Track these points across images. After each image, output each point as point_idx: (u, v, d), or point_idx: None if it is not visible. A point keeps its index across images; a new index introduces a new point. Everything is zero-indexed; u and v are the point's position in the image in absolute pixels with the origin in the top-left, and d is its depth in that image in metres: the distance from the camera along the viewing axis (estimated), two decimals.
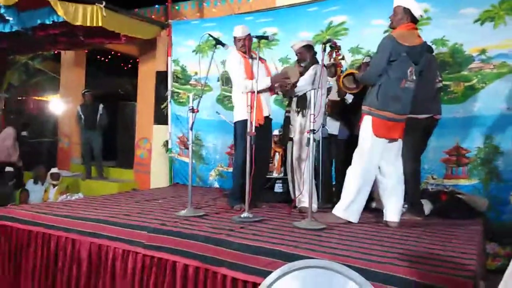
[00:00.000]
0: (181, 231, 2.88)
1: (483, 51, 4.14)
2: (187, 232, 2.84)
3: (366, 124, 3.17)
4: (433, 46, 4.13)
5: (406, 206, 3.60)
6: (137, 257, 2.87)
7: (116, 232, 3.05)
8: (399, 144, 3.27)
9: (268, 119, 3.87)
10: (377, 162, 3.19)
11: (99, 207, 3.84)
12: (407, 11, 3.12)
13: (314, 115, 3.14)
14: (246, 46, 3.82)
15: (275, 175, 4.79)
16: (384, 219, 3.24)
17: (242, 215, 3.27)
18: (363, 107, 3.21)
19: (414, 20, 3.16)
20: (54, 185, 6.39)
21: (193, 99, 3.60)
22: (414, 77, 3.13)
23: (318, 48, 4.11)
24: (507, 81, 4.03)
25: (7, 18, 5.00)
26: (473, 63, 4.19)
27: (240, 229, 2.95)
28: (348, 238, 2.78)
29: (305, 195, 3.67)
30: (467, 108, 4.19)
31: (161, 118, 6.65)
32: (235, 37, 3.90)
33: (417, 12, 3.13)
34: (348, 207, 3.18)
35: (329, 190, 4.21)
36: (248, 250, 2.49)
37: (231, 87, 5.60)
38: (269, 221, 3.31)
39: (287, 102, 4.14)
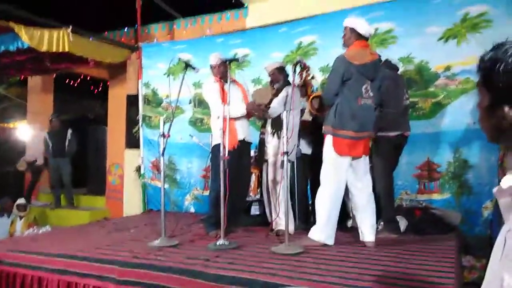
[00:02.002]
0: (154, 263, 2.77)
1: (448, 68, 4.26)
2: (160, 265, 2.73)
3: (328, 144, 3.20)
4: (400, 64, 4.23)
5: (381, 223, 3.62)
6: None
7: (86, 267, 2.91)
8: (365, 160, 3.28)
9: (244, 142, 3.83)
10: (344, 180, 3.20)
11: (68, 240, 3.67)
12: (353, 30, 3.20)
13: (288, 137, 3.12)
14: (221, 72, 3.82)
15: (251, 196, 4.73)
16: (360, 239, 3.22)
17: (217, 243, 3.18)
18: (324, 127, 3.24)
19: (363, 37, 3.20)
20: (21, 217, 6.10)
21: (164, 124, 3.53)
22: (371, 94, 3.16)
23: (289, 69, 4.15)
24: (472, 96, 4.14)
25: None
26: (439, 79, 4.30)
27: (216, 258, 2.86)
28: (326, 261, 2.74)
29: (281, 217, 3.62)
30: (436, 123, 4.28)
31: (133, 142, 6.49)
32: (211, 65, 3.93)
33: (362, 30, 3.18)
34: (322, 230, 3.16)
35: (305, 210, 4.18)
36: (224, 281, 2.41)
37: (204, 109, 5.59)
38: (245, 246, 3.23)
39: (261, 124, 4.11)
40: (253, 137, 4.49)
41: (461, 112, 4.16)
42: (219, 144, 3.66)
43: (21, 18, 4.97)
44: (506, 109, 0.86)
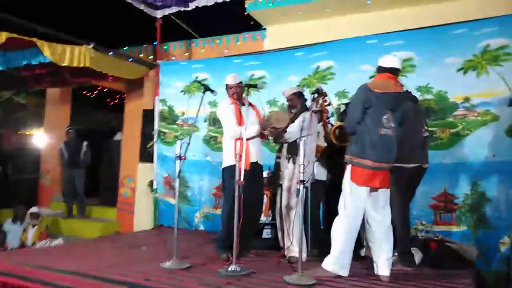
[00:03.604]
0: (166, 287, 2.75)
1: (467, 99, 4.23)
2: None
3: (347, 173, 3.19)
4: (418, 93, 4.21)
5: (396, 254, 3.55)
6: None
7: (96, 286, 2.90)
8: (385, 192, 3.24)
9: (257, 165, 3.83)
10: (361, 211, 3.16)
11: (80, 256, 3.68)
12: (379, 66, 3.29)
13: (304, 165, 3.12)
14: (237, 93, 3.85)
15: (263, 218, 4.70)
16: (375, 272, 3.16)
17: (229, 268, 3.15)
18: (345, 157, 3.22)
19: (388, 70, 3.23)
20: (33, 225, 6.16)
21: (181, 145, 3.55)
22: (392, 125, 3.13)
23: (306, 93, 4.17)
24: (491, 128, 4.11)
25: None
26: (458, 110, 4.27)
27: (227, 285, 2.83)
28: None
29: (294, 244, 3.59)
30: (454, 154, 4.23)
31: (146, 156, 6.55)
32: (226, 85, 3.93)
33: (387, 64, 3.24)
34: (337, 260, 3.11)
35: (318, 236, 4.14)
36: None
37: (218, 127, 5.61)
38: (257, 274, 3.19)
39: (277, 147, 4.12)
40: (268, 160, 4.51)
41: (480, 144, 4.12)
42: (231, 166, 3.68)
43: (45, 34, 5.09)
44: None
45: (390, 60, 3.26)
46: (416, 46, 4.52)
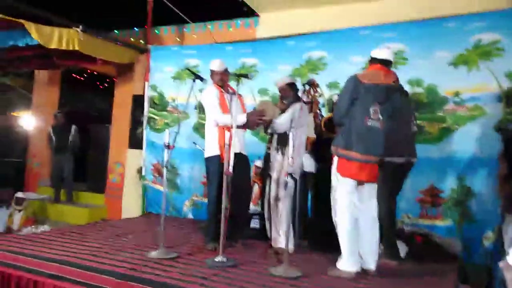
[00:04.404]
0: (152, 278, 2.76)
1: (457, 94, 4.24)
2: (157, 280, 2.72)
3: (334, 165, 3.17)
4: (408, 86, 4.20)
5: (381, 247, 3.59)
6: None
7: (83, 276, 2.89)
8: (372, 185, 3.21)
9: (241, 155, 3.78)
10: (351, 201, 3.12)
11: (66, 243, 3.66)
12: (370, 57, 3.28)
13: (293, 157, 3.11)
14: (222, 80, 3.80)
15: (252, 208, 4.71)
16: (361, 265, 3.16)
17: (216, 259, 3.16)
18: (331, 148, 3.21)
19: (379, 61, 3.21)
20: (19, 210, 6.11)
21: (169, 134, 3.51)
22: (380, 117, 3.09)
23: (298, 83, 4.13)
24: (480, 123, 4.13)
25: None
26: (448, 104, 4.28)
27: (213, 277, 2.84)
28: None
29: (281, 236, 3.61)
30: (442, 149, 4.26)
31: (136, 142, 6.49)
32: (212, 70, 3.87)
33: (378, 55, 3.22)
34: (349, 258, 3.07)
35: (304, 225, 4.16)
36: None
37: None
38: (244, 265, 3.21)
39: (268, 138, 4.10)
40: (258, 150, 4.50)
41: (468, 139, 4.14)
42: (215, 156, 3.66)
43: (31, 15, 4.96)
44: None
45: (382, 52, 3.25)
46: (408, 39, 4.50)
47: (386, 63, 3.23)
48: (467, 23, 4.25)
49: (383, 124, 3.12)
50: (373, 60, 3.25)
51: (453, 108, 4.27)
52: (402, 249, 3.65)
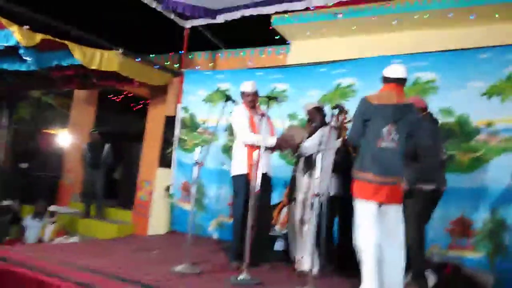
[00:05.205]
0: None
1: (490, 124, 4.17)
2: None
3: (353, 188, 3.15)
4: (440, 116, 4.18)
5: (409, 276, 3.49)
6: None
7: (109, 285, 2.96)
8: (397, 210, 3.12)
9: (266, 176, 3.83)
10: (372, 225, 3.03)
11: (95, 254, 3.76)
12: (383, 76, 3.24)
13: (320, 179, 3.13)
14: (253, 101, 3.90)
15: (278, 230, 4.69)
16: None
17: (239, 277, 3.17)
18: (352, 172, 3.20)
19: (392, 81, 3.17)
20: (52, 222, 6.31)
21: (200, 152, 3.61)
22: (395, 137, 3.04)
23: (327, 109, 4.19)
24: None
25: (25, 58, 5.15)
26: (480, 135, 4.21)
27: None
28: None
29: (306, 258, 3.59)
30: (473, 179, 4.16)
31: (165, 162, 6.65)
32: (243, 92, 3.98)
33: (391, 74, 3.17)
34: (371, 285, 2.97)
35: (331, 251, 4.11)
36: None
37: None
38: (267, 285, 3.20)
39: (294, 161, 4.14)
40: (284, 173, 4.53)
41: (501, 170, 4.04)
42: (242, 174, 3.71)
43: (77, 36, 5.29)
44: None
45: (395, 70, 3.19)
46: (440, 68, 4.50)
47: (399, 82, 3.17)
48: (500, 54, 4.22)
49: (399, 144, 3.07)
50: (386, 80, 3.20)
51: (486, 139, 4.19)
52: (431, 279, 3.54)
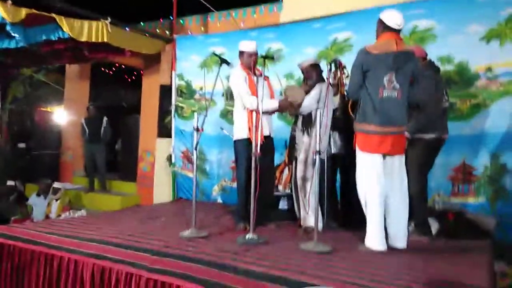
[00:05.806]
0: (185, 254, 2.85)
1: (489, 69, 4.12)
2: (191, 256, 2.81)
3: (355, 141, 3.13)
4: (439, 63, 4.11)
5: (412, 224, 3.56)
6: (140, 280, 2.83)
7: (120, 254, 3.00)
8: (401, 159, 3.15)
9: (269, 138, 3.84)
10: (380, 177, 3.05)
11: (102, 226, 3.81)
12: (381, 22, 3.15)
13: (320, 136, 3.11)
14: (253, 62, 3.81)
15: (281, 190, 4.74)
16: (389, 243, 3.10)
17: (246, 237, 3.23)
18: (353, 125, 3.17)
19: (392, 29, 3.10)
20: (56, 199, 6.37)
21: (198, 118, 3.58)
22: (397, 85, 3.00)
23: (323, 65, 4.12)
24: None
25: (13, 34, 5.02)
26: (479, 80, 4.16)
27: (245, 252, 2.91)
28: (355, 262, 2.74)
29: (310, 214, 3.64)
30: (474, 125, 4.15)
31: (164, 131, 6.64)
32: (243, 52, 3.85)
33: (390, 21, 3.10)
34: (376, 236, 3.04)
35: (335, 208, 4.17)
36: (252, 276, 2.45)
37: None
38: (274, 242, 3.26)
39: (292, 120, 4.11)
40: (284, 134, 4.51)
41: (501, 115, 4.03)
42: (244, 139, 3.70)
43: (62, 9, 5.13)
44: None
45: (394, 18, 3.09)
46: (437, 15, 4.39)
47: (398, 30, 3.11)
48: None
49: (401, 92, 3.03)
50: (386, 28, 3.12)
51: (485, 84, 4.14)
52: (434, 226, 3.61)
